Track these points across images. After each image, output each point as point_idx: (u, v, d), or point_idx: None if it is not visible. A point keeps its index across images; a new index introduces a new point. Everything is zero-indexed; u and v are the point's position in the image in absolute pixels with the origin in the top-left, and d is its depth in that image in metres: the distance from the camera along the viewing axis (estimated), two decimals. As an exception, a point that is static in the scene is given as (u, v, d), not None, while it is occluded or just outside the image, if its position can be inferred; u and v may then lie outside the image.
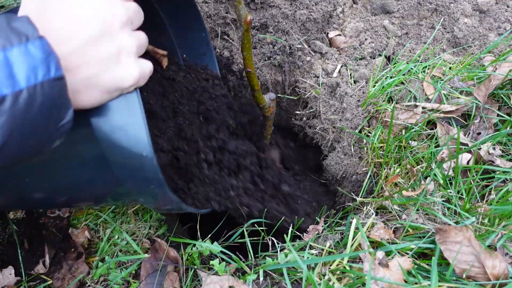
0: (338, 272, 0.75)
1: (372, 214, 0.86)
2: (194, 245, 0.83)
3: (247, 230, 0.97)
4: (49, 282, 0.81)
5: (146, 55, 0.67)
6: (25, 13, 0.41)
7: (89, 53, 0.43)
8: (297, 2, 1.28)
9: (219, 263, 0.78)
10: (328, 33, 1.30)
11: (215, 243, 0.83)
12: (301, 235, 0.89)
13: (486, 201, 0.87)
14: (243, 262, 0.81)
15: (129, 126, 0.47)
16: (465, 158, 0.96)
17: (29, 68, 0.37)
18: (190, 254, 0.83)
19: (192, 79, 0.80)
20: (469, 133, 1.03)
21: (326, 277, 0.73)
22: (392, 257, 0.74)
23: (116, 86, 0.46)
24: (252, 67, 0.71)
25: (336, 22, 1.33)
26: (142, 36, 0.51)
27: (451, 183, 0.90)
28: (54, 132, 0.42)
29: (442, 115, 1.04)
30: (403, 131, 1.03)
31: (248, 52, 0.68)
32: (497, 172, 0.91)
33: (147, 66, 0.51)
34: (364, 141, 1.06)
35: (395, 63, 1.22)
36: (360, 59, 1.25)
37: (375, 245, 0.80)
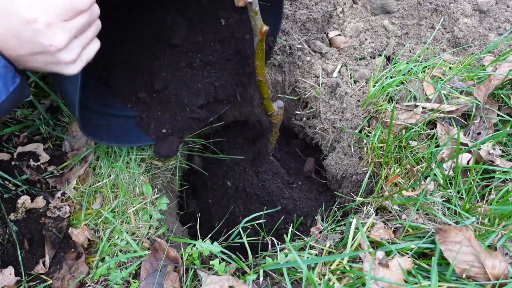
0: (338, 272, 0.75)
1: (372, 214, 0.86)
2: (194, 245, 0.83)
3: (247, 230, 0.97)
4: (49, 282, 0.81)
5: None
6: None
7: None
8: (297, 2, 1.28)
9: (219, 263, 0.78)
10: (328, 33, 1.30)
11: (215, 243, 0.83)
12: (300, 234, 0.89)
13: (486, 201, 0.87)
14: (243, 262, 0.81)
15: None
16: (465, 158, 0.96)
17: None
18: (190, 254, 0.83)
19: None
20: (469, 133, 1.03)
21: (326, 277, 0.73)
22: (392, 257, 0.74)
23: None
24: (264, 76, 0.72)
25: (336, 22, 1.33)
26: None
27: (451, 183, 0.90)
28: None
29: (442, 115, 1.04)
30: (403, 131, 1.03)
31: (261, 61, 0.68)
32: (497, 172, 0.91)
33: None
34: (364, 141, 1.06)
35: (395, 63, 1.22)
36: (360, 59, 1.25)
37: (375, 245, 0.80)
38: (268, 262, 0.78)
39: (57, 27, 0.55)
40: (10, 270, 0.81)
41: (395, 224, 0.84)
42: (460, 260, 0.71)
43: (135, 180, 0.95)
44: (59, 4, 0.54)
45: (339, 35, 1.30)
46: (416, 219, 0.83)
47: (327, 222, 0.95)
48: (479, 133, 1.02)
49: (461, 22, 1.29)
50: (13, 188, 0.92)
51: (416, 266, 0.74)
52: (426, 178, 0.92)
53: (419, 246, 0.76)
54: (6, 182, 0.92)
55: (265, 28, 0.61)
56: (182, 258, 0.82)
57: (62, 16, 0.55)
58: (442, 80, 1.12)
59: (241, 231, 0.84)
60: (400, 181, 0.93)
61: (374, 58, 1.26)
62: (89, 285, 0.80)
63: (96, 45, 0.64)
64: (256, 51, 0.66)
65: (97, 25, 0.63)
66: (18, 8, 0.52)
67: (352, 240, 0.79)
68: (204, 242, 0.84)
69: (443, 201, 0.85)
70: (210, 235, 0.88)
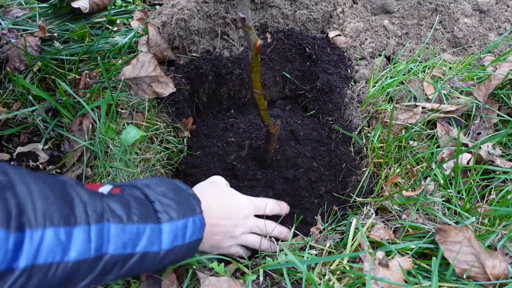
0: (338, 272, 0.75)
1: (372, 214, 0.86)
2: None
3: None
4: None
5: None
6: (195, 191, 0.68)
7: (221, 225, 0.74)
8: (297, 2, 1.28)
9: (218, 264, 0.78)
10: (328, 33, 1.30)
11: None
12: (299, 233, 0.89)
13: (486, 201, 0.87)
14: (243, 262, 0.81)
15: None
16: (465, 158, 0.96)
17: (191, 232, 0.62)
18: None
19: None
20: (469, 133, 1.03)
21: (326, 277, 0.73)
22: (392, 257, 0.74)
23: (219, 243, 0.76)
24: (260, 89, 0.73)
25: (336, 22, 1.33)
26: (260, 223, 0.82)
27: (451, 183, 0.90)
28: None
29: (442, 115, 1.03)
30: (403, 131, 1.03)
31: (257, 74, 0.69)
32: (497, 172, 0.91)
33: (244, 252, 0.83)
34: (364, 141, 1.06)
35: (395, 63, 1.22)
36: (360, 59, 1.25)
37: (375, 245, 0.80)
38: (268, 262, 0.78)
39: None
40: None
41: (395, 224, 0.84)
42: (460, 260, 0.71)
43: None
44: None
45: (339, 35, 1.29)
46: (416, 219, 0.83)
47: (327, 222, 0.95)
48: (479, 133, 1.02)
49: (461, 22, 1.29)
50: (13, 188, 0.92)
51: (416, 266, 0.73)
52: (426, 178, 0.91)
53: (419, 246, 0.76)
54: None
55: (259, 42, 0.62)
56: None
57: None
58: (442, 80, 1.12)
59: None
60: (400, 181, 0.93)
61: (374, 58, 1.25)
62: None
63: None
64: (251, 65, 0.67)
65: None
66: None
67: (352, 240, 0.79)
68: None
69: (443, 201, 0.85)
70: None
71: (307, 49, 1.22)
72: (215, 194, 0.79)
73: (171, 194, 0.61)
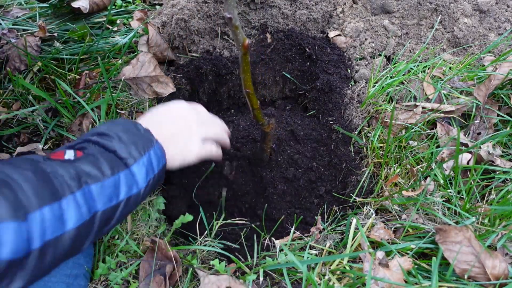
0: (338, 272, 0.75)
1: (372, 214, 0.86)
2: (193, 244, 0.83)
3: (247, 229, 0.97)
4: (48, 282, 0.81)
5: None
6: (146, 126, 0.70)
7: (177, 134, 0.76)
8: (297, 2, 1.28)
9: (219, 262, 0.78)
10: (328, 33, 1.30)
11: (215, 241, 0.83)
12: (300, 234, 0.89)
13: (486, 201, 0.87)
14: (243, 262, 0.81)
15: None
16: (465, 158, 0.96)
17: (156, 162, 0.67)
18: (187, 254, 0.83)
19: None
20: (469, 133, 1.03)
21: (326, 277, 0.73)
22: (392, 257, 0.74)
23: (184, 154, 0.76)
24: (251, 88, 0.73)
25: (336, 22, 1.33)
26: (211, 130, 0.82)
27: (451, 183, 0.90)
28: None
29: (442, 115, 1.04)
30: (403, 131, 1.03)
31: (247, 74, 0.69)
32: (497, 172, 0.91)
33: (210, 148, 0.81)
34: (364, 141, 1.06)
35: (395, 63, 1.22)
36: (360, 59, 1.25)
37: (375, 245, 0.80)
38: (268, 262, 0.78)
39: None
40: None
41: (395, 224, 0.84)
42: (460, 260, 0.71)
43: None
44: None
45: (339, 35, 1.29)
46: (416, 219, 0.83)
47: (327, 222, 0.95)
48: (479, 133, 1.02)
49: (461, 22, 1.29)
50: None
51: (416, 266, 0.73)
52: (426, 178, 0.91)
53: (419, 246, 0.76)
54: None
55: (248, 41, 0.62)
56: (181, 258, 0.81)
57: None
58: (442, 80, 1.12)
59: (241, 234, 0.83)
60: (400, 181, 0.93)
61: (374, 58, 1.25)
62: (89, 285, 0.80)
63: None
64: (241, 65, 0.67)
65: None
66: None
67: (352, 240, 0.79)
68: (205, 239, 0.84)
69: (443, 201, 0.85)
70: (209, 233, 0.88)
71: (307, 49, 1.22)
72: (162, 116, 0.80)
73: (125, 136, 0.64)
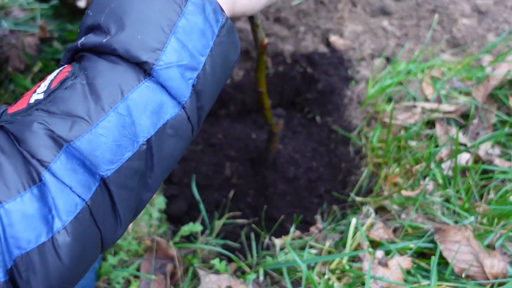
0: (337, 271, 0.75)
1: (372, 213, 0.87)
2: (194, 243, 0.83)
3: (247, 228, 0.97)
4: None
5: None
6: None
7: None
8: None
9: (220, 261, 0.78)
10: (328, 38, 1.31)
11: (216, 240, 0.83)
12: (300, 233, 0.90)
13: (485, 200, 0.88)
14: (243, 261, 0.81)
15: None
16: (464, 158, 0.96)
17: (214, 12, 0.43)
18: (188, 253, 0.84)
19: None
20: (468, 133, 1.03)
21: (326, 276, 0.74)
22: (392, 257, 0.74)
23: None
24: (264, 88, 0.73)
25: (335, 27, 1.34)
26: None
27: (450, 183, 0.90)
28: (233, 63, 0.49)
29: (441, 115, 1.04)
30: (402, 131, 1.03)
31: (262, 73, 0.70)
32: (496, 172, 0.91)
33: None
34: (363, 141, 1.06)
35: (394, 64, 1.22)
36: (360, 60, 1.26)
37: (375, 244, 0.80)
38: (268, 261, 0.78)
39: None
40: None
41: (394, 224, 0.84)
42: (459, 259, 0.71)
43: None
44: None
45: (339, 37, 1.30)
46: (415, 218, 0.84)
47: (327, 221, 0.96)
48: (477, 133, 1.03)
49: (460, 23, 1.30)
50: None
51: (415, 266, 0.74)
52: (425, 178, 0.92)
53: (418, 246, 0.76)
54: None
55: (266, 40, 0.62)
56: (182, 257, 0.82)
57: None
58: (441, 80, 1.13)
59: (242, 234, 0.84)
60: (399, 181, 0.93)
61: (373, 59, 1.26)
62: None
63: None
64: (257, 63, 0.67)
65: None
66: None
67: (352, 239, 0.80)
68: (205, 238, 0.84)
69: (442, 200, 0.85)
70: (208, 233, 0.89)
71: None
72: None
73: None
